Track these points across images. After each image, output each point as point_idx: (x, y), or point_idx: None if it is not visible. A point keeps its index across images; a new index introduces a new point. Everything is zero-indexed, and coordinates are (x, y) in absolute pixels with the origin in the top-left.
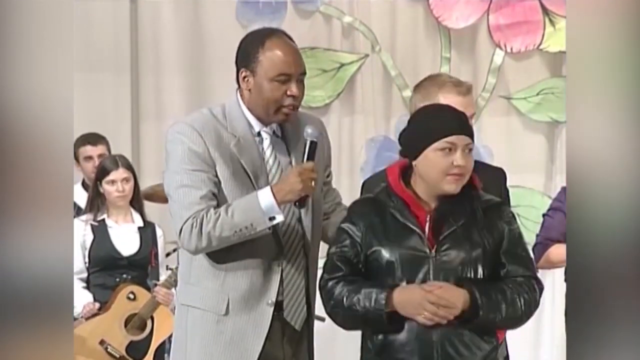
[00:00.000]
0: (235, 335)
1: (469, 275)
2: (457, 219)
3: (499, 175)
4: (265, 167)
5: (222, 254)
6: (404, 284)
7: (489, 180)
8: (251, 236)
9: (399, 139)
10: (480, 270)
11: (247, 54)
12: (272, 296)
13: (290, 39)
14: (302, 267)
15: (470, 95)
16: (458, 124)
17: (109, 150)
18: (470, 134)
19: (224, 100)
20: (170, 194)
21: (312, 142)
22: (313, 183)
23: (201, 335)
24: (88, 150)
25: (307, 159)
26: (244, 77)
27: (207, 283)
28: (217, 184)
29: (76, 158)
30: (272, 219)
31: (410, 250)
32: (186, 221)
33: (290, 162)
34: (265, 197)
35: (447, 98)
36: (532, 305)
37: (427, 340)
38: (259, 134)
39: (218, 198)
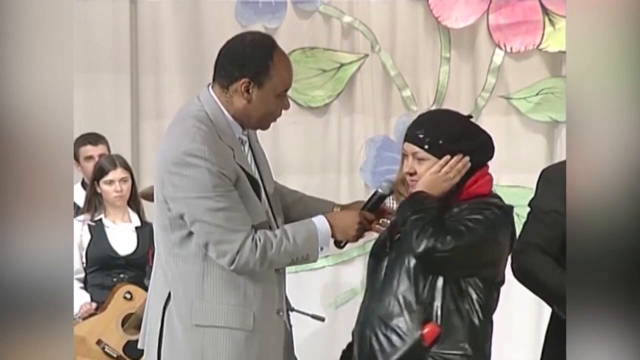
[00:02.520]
0: (263, 349)
1: None
2: None
3: None
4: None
5: None
6: None
7: None
8: (296, 264)
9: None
10: None
11: (254, 65)
12: (278, 305)
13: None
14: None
15: None
16: (410, 131)
17: (108, 149)
18: (419, 143)
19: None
20: (206, 220)
21: (381, 195)
22: (364, 234)
23: (227, 356)
24: (89, 150)
25: (370, 209)
26: (246, 87)
27: (227, 299)
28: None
29: (76, 158)
30: (321, 248)
31: None
32: (242, 244)
33: (256, 163)
34: (323, 228)
35: None
36: None
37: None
38: (239, 139)
39: None
